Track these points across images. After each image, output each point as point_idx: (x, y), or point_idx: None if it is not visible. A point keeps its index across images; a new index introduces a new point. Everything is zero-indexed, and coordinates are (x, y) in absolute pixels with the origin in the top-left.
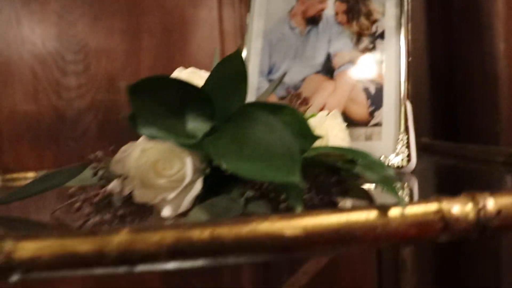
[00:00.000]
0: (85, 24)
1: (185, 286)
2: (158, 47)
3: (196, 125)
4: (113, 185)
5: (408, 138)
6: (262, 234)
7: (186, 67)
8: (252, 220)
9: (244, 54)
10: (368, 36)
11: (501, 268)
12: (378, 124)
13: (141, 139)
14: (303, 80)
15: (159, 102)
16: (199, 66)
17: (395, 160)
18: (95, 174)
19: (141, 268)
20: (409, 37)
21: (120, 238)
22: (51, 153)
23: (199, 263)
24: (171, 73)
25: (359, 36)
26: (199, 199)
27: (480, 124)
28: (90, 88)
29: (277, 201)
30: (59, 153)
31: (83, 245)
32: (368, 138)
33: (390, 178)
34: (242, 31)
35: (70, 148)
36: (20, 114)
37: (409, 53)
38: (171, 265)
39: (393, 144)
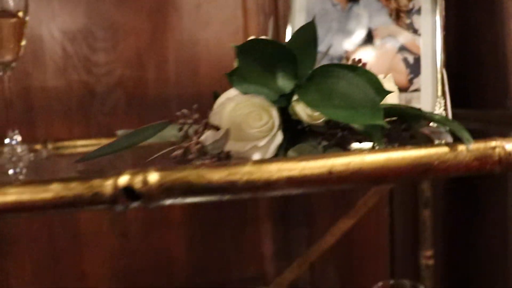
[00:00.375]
0: (113, 2)
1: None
2: (184, 24)
3: (284, 83)
4: (206, 136)
5: (445, 102)
6: (359, 165)
7: (211, 43)
8: (352, 154)
9: (288, 29)
10: (405, 12)
11: (508, 232)
12: (417, 90)
13: (234, 93)
14: (347, 52)
15: (257, 61)
16: (223, 43)
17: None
18: (180, 129)
19: (263, 194)
20: (443, 13)
21: (247, 168)
22: (81, 127)
23: (313, 190)
24: (196, 49)
25: (397, 12)
26: (280, 148)
27: (490, 98)
28: (119, 65)
29: (347, 149)
30: (89, 127)
31: (215, 175)
32: (408, 102)
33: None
34: (264, 9)
35: (100, 122)
36: (51, 89)
37: (443, 27)
38: (290, 191)
39: (431, 107)
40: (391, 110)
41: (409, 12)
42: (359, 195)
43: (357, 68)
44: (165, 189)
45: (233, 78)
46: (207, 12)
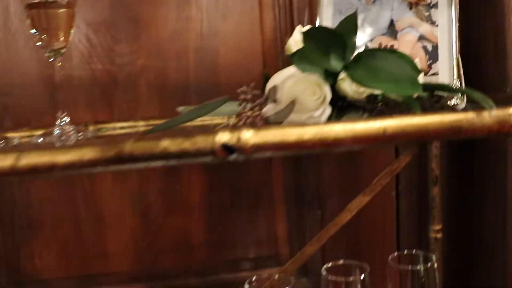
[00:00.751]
0: None
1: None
2: (204, 16)
3: (335, 63)
4: (267, 109)
5: (460, 83)
6: (407, 126)
7: (229, 35)
8: (401, 117)
9: (317, 21)
10: (424, 6)
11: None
12: (435, 74)
13: (289, 72)
14: (371, 40)
15: (316, 45)
16: (240, 33)
17: (451, 101)
18: (240, 104)
19: (332, 150)
20: (458, 6)
21: (319, 128)
22: (104, 114)
23: (371, 146)
24: (215, 40)
25: (416, 5)
26: (329, 119)
27: (490, 86)
28: (141, 55)
29: None
30: (112, 114)
31: (294, 133)
32: None
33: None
34: (279, 2)
35: (122, 110)
36: (76, 78)
37: (458, 19)
38: (353, 147)
39: None
40: (426, 85)
41: (428, 6)
42: (367, 180)
43: (396, 51)
44: (256, 145)
45: (295, 58)
46: (225, 4)
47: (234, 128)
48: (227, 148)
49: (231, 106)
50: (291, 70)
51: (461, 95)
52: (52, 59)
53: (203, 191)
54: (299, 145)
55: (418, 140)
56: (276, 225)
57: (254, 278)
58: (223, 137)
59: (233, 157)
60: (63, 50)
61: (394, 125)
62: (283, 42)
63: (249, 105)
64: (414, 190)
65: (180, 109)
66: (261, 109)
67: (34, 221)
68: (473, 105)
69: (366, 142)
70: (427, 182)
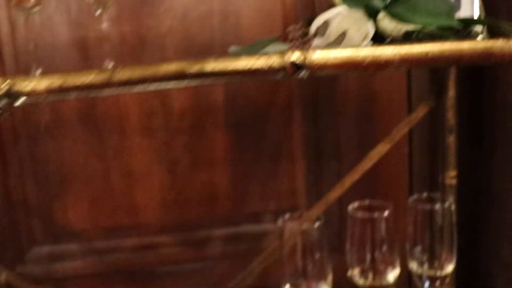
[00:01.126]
0: None
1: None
2: None
3: (377, 1)
4: (317, 42)
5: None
6: (447, 50)
7: (249, 5)
8: (441, 42)
9: None
10: None
11: None
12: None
13: (336, 11)
14: None
15: None
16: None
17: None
18: (291, 41)
19: (383, 70)
20: None
21: (372, 50)
22: None
23: (415, 66)
24: (239, 4)
25: None
26: None
27: None
28: (167, 16)
29: None
30: None
31: (350, 53)
32: None
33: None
34: None
35: None
36: (105, 39)
37: None
38: (400, 67)
39: None
40: (459, 19)
41: None
42: (382, 135)
43: None
44: (320, 63)
45: None
46: None
47: (304, 49)
48: (296, 66)
49: (278, 46)
50: (335, 10)
51: (485, 30)
52: (100, 11)
53: (227, 146)
54: (356, 64)
55: (456, 62)
56: (295, 179)
57: (287, 216)
58: (293, 56)
59: (301, 73)
60: (108, 4)
61: (435, 49)
62: (303, 5)
63: (297, 43)
64: (427, 144)
65: (232, 48)
66: (309, 45)
67: (67, 176)
68: None
69: (411, 63)
70: (440, 135)
